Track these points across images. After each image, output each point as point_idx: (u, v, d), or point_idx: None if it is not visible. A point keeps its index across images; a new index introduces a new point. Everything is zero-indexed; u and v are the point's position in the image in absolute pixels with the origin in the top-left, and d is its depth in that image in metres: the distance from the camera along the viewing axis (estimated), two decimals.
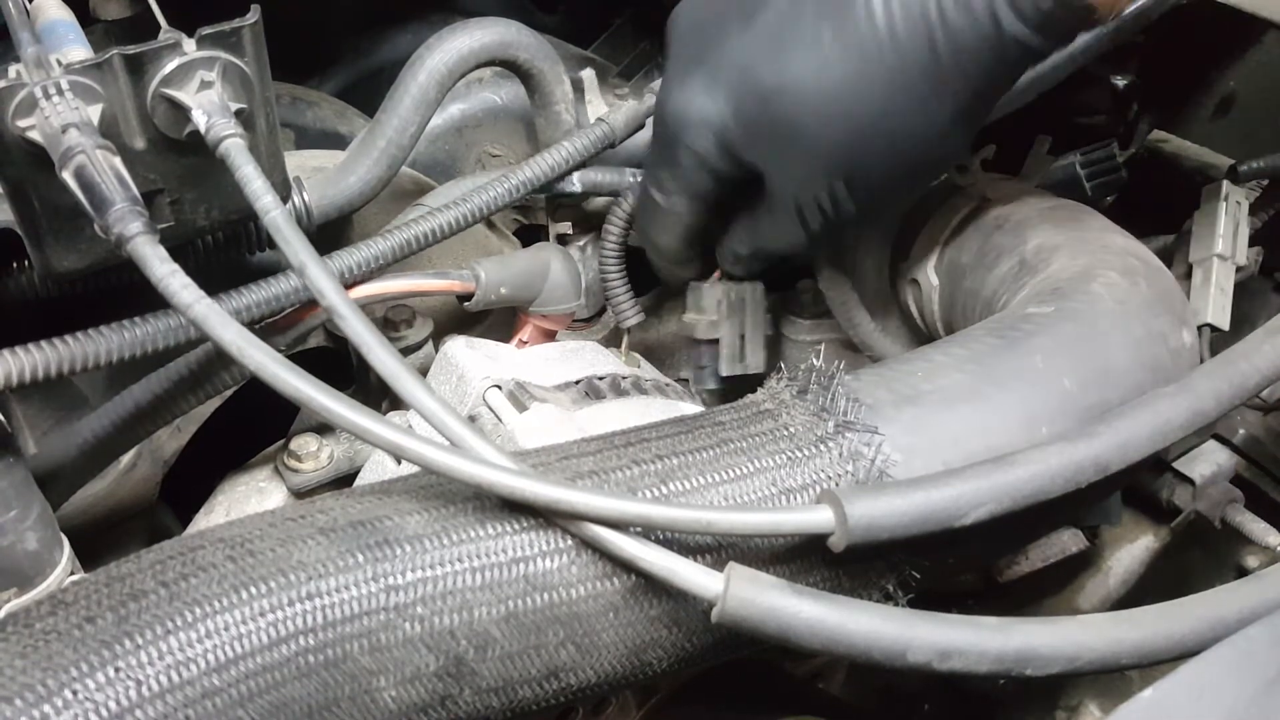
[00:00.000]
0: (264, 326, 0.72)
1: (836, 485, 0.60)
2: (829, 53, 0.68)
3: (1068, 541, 1.00)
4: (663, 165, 0.78)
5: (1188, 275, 0.92)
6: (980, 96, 0.69)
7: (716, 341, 0.88)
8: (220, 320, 0.54)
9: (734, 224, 0.82)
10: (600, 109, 0.96)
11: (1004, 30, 0.65)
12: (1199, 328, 0.88)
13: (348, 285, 0.75)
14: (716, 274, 0.89)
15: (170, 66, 0.61)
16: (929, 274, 0.85)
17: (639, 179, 0.89)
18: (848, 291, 0.90)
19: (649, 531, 0.54)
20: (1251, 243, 0.95)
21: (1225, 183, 0.93)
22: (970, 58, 0.66)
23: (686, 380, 0.99)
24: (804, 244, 0.78)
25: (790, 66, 0.69)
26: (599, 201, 0.92)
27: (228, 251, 0.76)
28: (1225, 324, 0.90)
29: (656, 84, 0.91)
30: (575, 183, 0.89)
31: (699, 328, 0.89)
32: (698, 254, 0.86)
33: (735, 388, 0.83)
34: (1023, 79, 0.77)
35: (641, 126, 0.90)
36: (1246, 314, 0.96)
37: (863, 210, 0.74)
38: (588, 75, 0.95)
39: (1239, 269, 0.93)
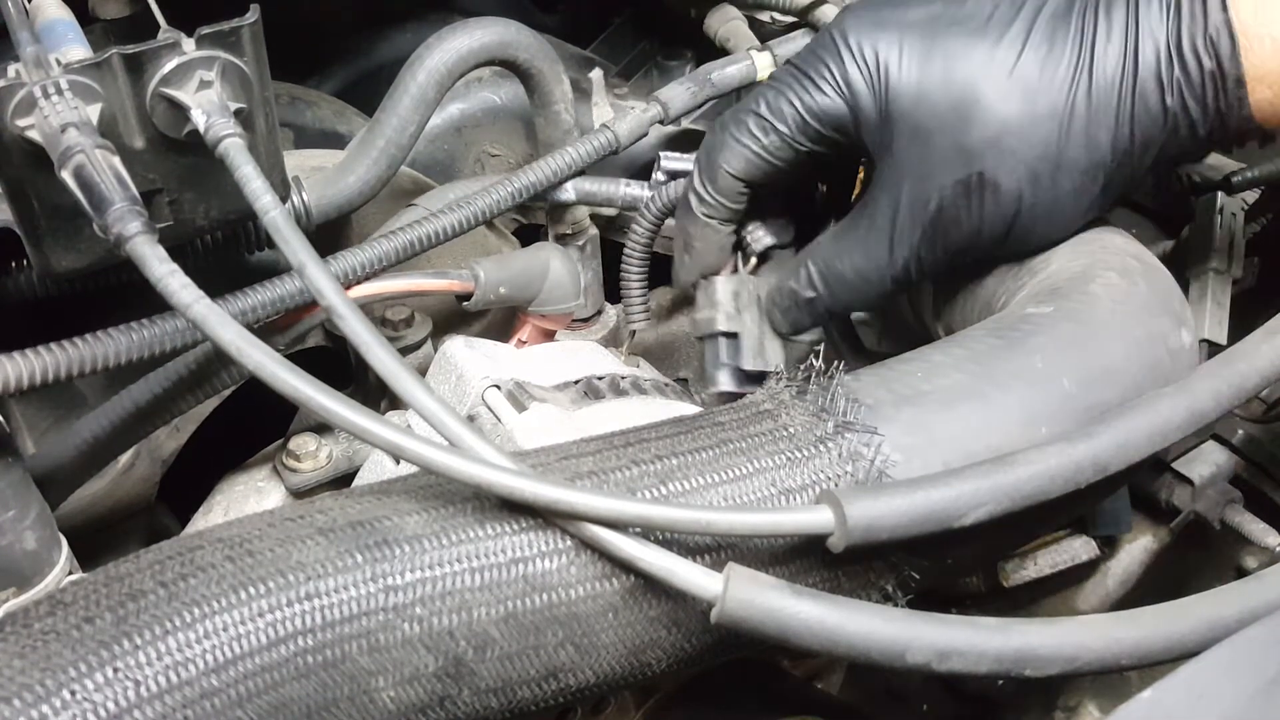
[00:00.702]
0: (263, 326, 0.72)
1: (836, 486, 0.60)
2: (1026, 72, 0.68)
3: (1078, 549, 1.00)
4: (793, 86, 0.74)
5: (1184, 288, 0.92)
6: (1110, 197, 0.71)
7: (734, 336, 0.83)
8: (219, 320, 0.54)
9: (811, 260, 0.78)
10: (606, 112, 0.96)
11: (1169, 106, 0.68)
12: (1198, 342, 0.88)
13: (347, 286, 0.75)
14: (729, 268, 0.84)
15: (169, 66, 0.61)
16: None
17: (642, 187, 0.89)
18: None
19: (648, 532, 0.54)
20: (1249, 251, 0.95)
21: (1220, 194, 0.93)
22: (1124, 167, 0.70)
23: (686, 380, 0.99)
24: (873, 281, 0.75)
25: (982, 41, 0.69)
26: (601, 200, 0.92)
27: (227, 251, 0.76)
28: (1222, 339, 0.90)
29: (660, 91, 0.91)
30: (569, 190, 0.89)
31: (717, 320, 0.83)
32: (745, 213, 0.81)
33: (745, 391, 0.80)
34: None
35: (645, 134, 0.89)
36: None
37: (951, 254, 0.73)
38: (596, 77, 0.95)
39: (1235, 281, 0.93)
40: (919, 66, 0.70)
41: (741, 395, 0.79)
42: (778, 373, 0.66)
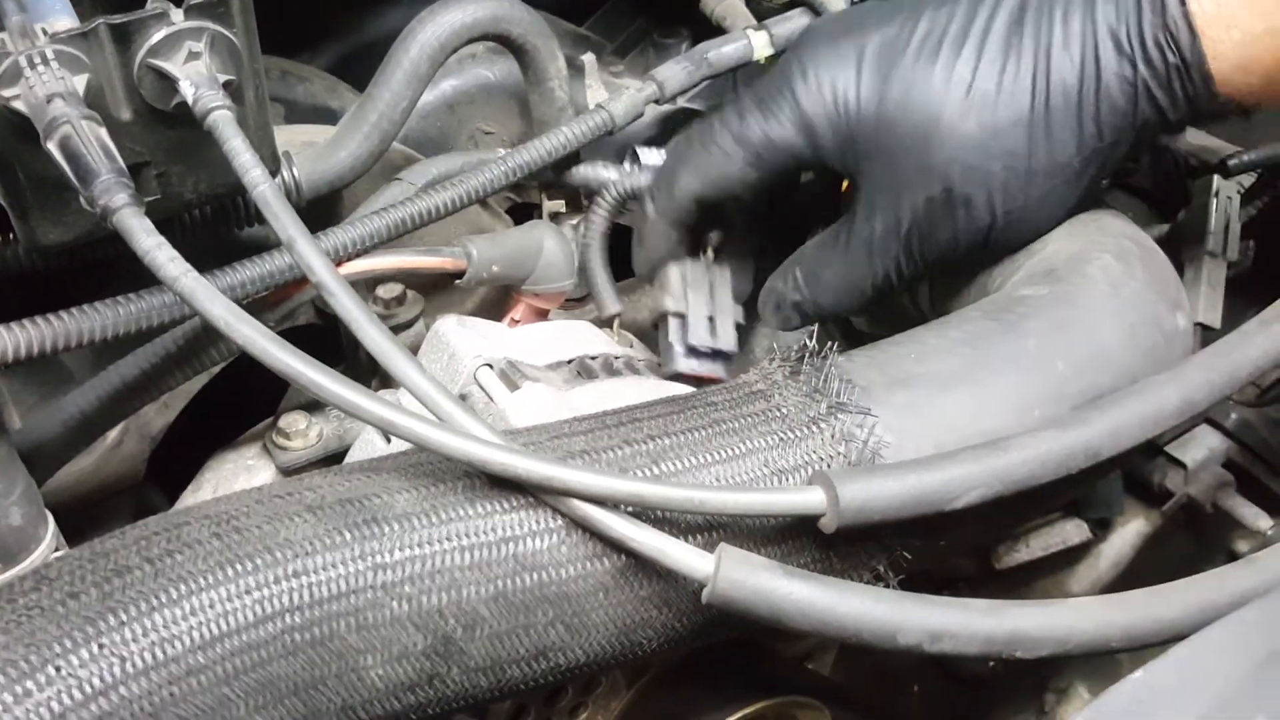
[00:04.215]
0: (252, 302, 0.72)
1: (828, 467, 0.60)
2: (984, 87, 0.69)
3: (1070, 532, 1.00)
4: (754, 113, 0.74)
5: (1180, 272, 0.92)
6: (1110, 141, 0.70)
7: (683, 317, 0.84)
8: (208, 294, 0.53)
9: (798, 264, 0.79)
10: (600, 93, 0.95)
11: (1139, 89, 0.68)
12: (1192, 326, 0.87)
13: (337, 262, 0.75)
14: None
15: (157, 37, 0.60)
16: None
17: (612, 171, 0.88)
18: None
19: (641, 511, 0.54)
20: (1244, 235, 0.95)
21: (1216, 178, 0.93)
22: (1110, 105, 0.68)
23: None
24: (858, 287, 0.76)
25: (931, 60, 0.70)
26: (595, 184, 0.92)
27: (216, 226, 0.75)
28: (1216, 322, 0.90)
29: (657, 69, 0.91)
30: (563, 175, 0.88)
31: (664, 301, 0.84)
32: (698, 224, 0.82)
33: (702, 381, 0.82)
34: None
35: (640, 114, 0.89)
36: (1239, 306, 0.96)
37: (932, 261, 0.74)
38: (588, 60, 0.94)
39: (1231, 264, 0.93)
40: (878, 94, 0.71)
41: (699, 377, 0.83)
42: (771, 354, 0.66)
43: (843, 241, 0.76)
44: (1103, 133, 0.69)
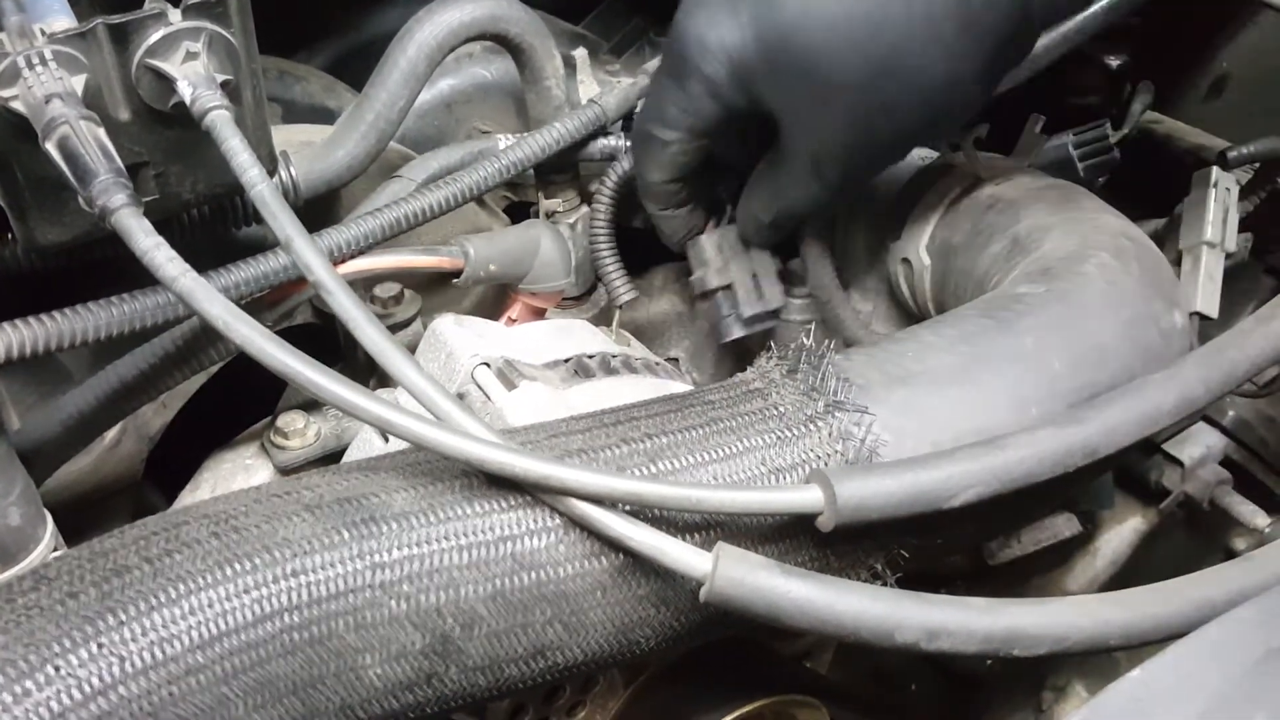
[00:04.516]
0: (250, 302, 0.72)
1: (826, 465, 0.60)
2: (857, 8, 0.67)
3: (1061, 526, 1.00)
4: (669, 93, 0.76)
5: (1177, 262, 0.92)
6: (1002, 50, 0.69)
7: (729, 288, 0.86)
8: (206, 294, 0.53)
9: (753, 186, 0.81)
10: (592, 89, 0.95)
11: None
12: (1189, 315, 0.88)
13: (335, 262, 0.75)
14: (710, 224, 0.87)
15: (155, 37, 0.60)
16: (920, 253, 0.84)
17: (620, 137, 0.89)
18: (831, 279, 0.90)
19: (638, 510, 0.54)
20: (1242, 228, 0.95)
21: (1215, 169, 0.93)
22: (998, 7, 0.66)
23: (676, 359, 0.99)
24: (824, 200, 0.77)
25: (819, 1, 0.68)
26: (590, 174, 0.92)
27: (214, 226, 0.75)
28: (1214, 312, 0.90)
29: (649, 64, 0.91)
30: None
31: (709, 277, 0.86)
32: (691, 195, 0.84)
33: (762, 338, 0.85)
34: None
35: (633, 109, 0.89)
36: (1237, 298, 0.96)
37: (880, 160, 0.74)
38: (580, 55, 0.94)
39: (1228, 255, 0.93)
40: (754, 43, 0.71)
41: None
42: (768, 352, 0.66)
43: (784, 173, 0.77)
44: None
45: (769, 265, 0.87)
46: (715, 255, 0.86)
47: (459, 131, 1.04)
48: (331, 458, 0.83)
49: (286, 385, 0.85)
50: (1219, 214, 0.92)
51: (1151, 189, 1.04)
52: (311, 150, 0.81)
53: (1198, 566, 0.57)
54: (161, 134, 0.64)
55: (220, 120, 0.59)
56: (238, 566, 0.49)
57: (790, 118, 0.73)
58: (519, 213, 0.98)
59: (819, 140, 0.73)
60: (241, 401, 0.85)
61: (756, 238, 0.85)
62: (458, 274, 0.83)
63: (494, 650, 0.54)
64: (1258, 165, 0.99)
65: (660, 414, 0.61)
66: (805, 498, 0.55)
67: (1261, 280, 1.03)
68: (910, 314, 0.90)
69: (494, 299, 0.93)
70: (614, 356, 0.79)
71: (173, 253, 0.54)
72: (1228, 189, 0.93)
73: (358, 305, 0.55)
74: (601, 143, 0.89)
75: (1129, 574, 1.07)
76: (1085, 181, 0.99)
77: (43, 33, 0.59)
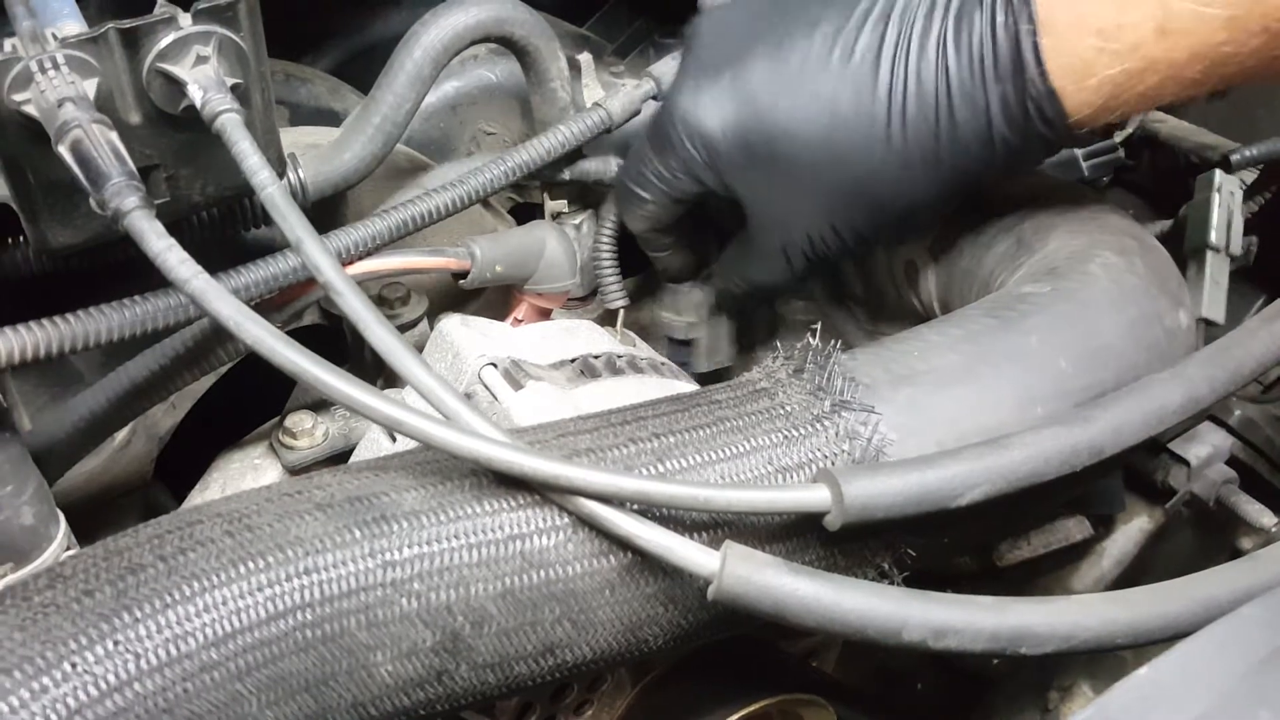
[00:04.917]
0: (259, 303, 0.72)
1: (832, 464, 0.60)
2: (843, 111, 0.70)
3: (1071, 529, 1.00)
4: (649, 160, 0.79)
5: (1182, 267, 0.92)
6: (965, 181, 0.72)
7: (692, 342, 0.92)
8: (217, 294, 0.53)
9: (727, 261, 0.85)
10: (597, 92, 0.95)
11: (994, 134, 0.68)
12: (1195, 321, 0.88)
13: (343, 263, 0.75)
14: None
15: (166, 41, 0.61)
16: (925, 253, 0.85)
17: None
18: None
19: (646, 508, 0.54)
20: (1247, 230, 0.95)
21: (1218, 172, 0.93)
22: (965, 149, 0.69)
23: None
24: (794, 281, 0.80)
25: (803, 112, 0.71)
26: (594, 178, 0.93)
27: (223, 228, 0.76)
28: (1220, 317, 0.90)
29: (654, 66, 0.91)
30: (564, 172, 0.89)
31: (676, 329, 0.92)
32: (672, 243, 0.88)
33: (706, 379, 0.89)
34: None
35: (638, 112, 0.89)
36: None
37: (844, 256, 0.77)
38: (585, 59, 0.95)
39: (1233, 259, 0.93)
40: (735, 135, 0.73)
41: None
42: (774, 351, 0.67)
43: (755, 253, 0.80)
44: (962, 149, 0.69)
45: (730, 327, 0.94)
46: (690, 310, 0.92)
47: (464, 133, 1.04)
48: (339, 458, 0.83)
49: (294, 386, 0.86)
50: (1223, 218, 0.92)
51: (1155, 189, 1.04)
52: (318, 152, 0.81)
53: (1204, 566, 0.57)
54: (172, 137, 0.64)
55: (230, 123, 0.59)
56: (251, 565, 0.50)
57: (759, 208, 0.77)
58: (525, 214, 0.98)
59: (785, 232, 0.76)
60: (250, 401, 0.85)
61: (733, 305, 0.90)
62: (464, 275, 0.83)
63: (503, 648, 0.54)
64: (1261, 167, 0.99)
65: (667, 413, 0.61)
66: (812, 497, 0.55)
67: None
68: (915, 314, 0.90)
69: (500, 300, 0.93)
70: (620, 356, 0.79)
71: (185, 254, 0.54)
72: (1231, 192, 0.93)
73: (367, 306, 0.56)
74: (595, 166, 0.90)
75: (1135, 573, 1.07)
76: (1090, 182, 1.00)
77: (55, 37, 0.59)
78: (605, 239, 0.91)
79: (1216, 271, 0.91)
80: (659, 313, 0.95)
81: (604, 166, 0.90)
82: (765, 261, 0.79)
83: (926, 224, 0.78)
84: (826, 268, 0.81)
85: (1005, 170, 0.72)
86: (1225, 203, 0.92)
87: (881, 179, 0.71)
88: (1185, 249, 0.93)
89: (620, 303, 0.91)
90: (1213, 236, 0.92)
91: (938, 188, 0.71)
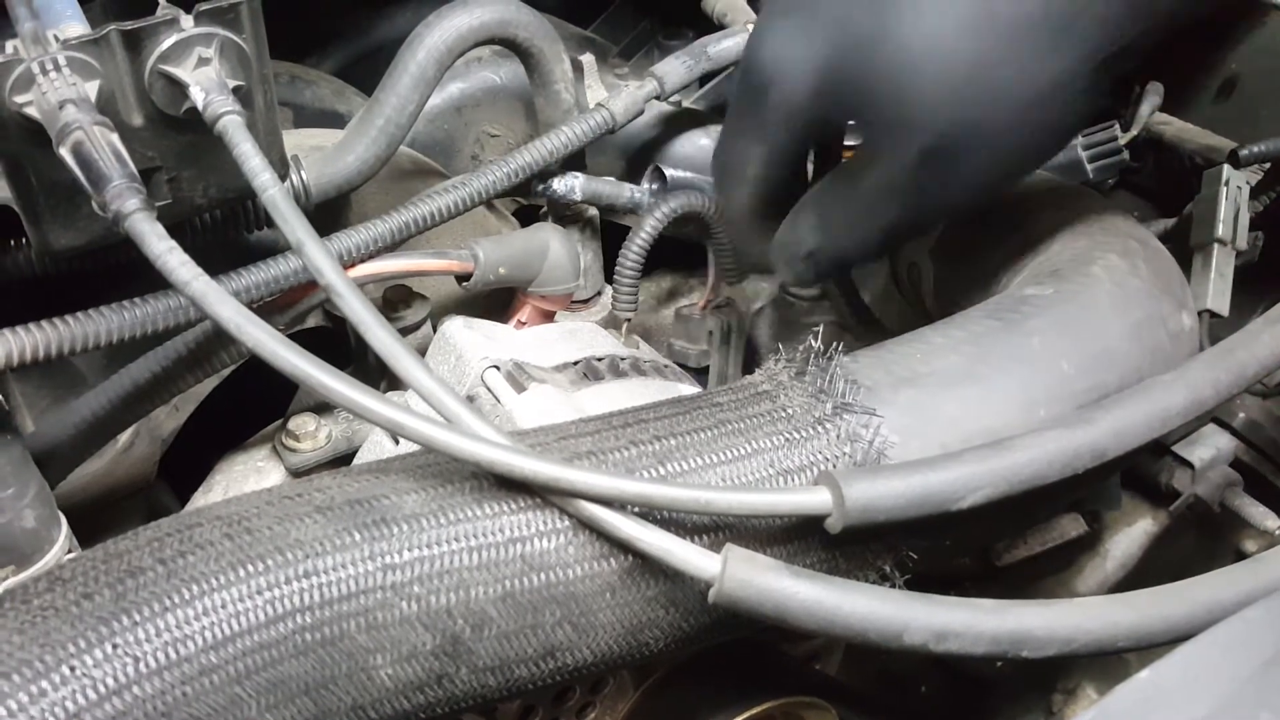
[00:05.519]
0: (261, 306, 0.72)
1: (834, 467, 0.60)
2: (951, 20, 0.62)
3: (1067, 526, 1.00)
4: (748, 119, 0.71)
5: (1188, 260, 0.92)
6: (1115, 40, 0.62)
7: (702, 369, 0.93)
8: (218, 297, 0.53)
9: (807, 210, 0.74)
10: (600, 93, 0.95)
11: None
12: (1199, 313, 0.87)
13: (346, 266, 0.75)
14: (703, 302, 0.94)
15: (168, 43, 0.61)
16: (928, 255, 0.85)
17: (644, 193, 0.92)
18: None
19: (647, 511, 0.54)
20: (1252, 227, 0.95)
21: (1226, 167, 0.93)
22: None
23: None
24: (868, 247, 0.73)
25: (891, 11, 0.64)
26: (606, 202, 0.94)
27: (225, 230, 0.76)
28: (1225, 310, 0.90)
29: (656, 66, 0.91)
30: (577, 192, 0.89)
31: (690, 357, 0.94)
32: (772, 222, 0.77)
33: None
34: None
35: (640, 113, 0.89)
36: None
37: (969, 186, 0.67)
38: (587, 60, 0.95)
39: (1239, 254, 0.93)
40: (833, 63, 0.66)
41: None
42: (776, 354, 0.66)
43: (851, 185, 0.71)
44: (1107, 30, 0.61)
45: (743, 346, 0.95)
46: (703, 338, 0.94)
47: (468, 135, 1.04)
48: (342, 460, 0.83)
49: (298, 388, 0.86)
50: (1230, 212, 0.92)
51: (1160, 191, 1.04)
52: (322, 155, 0.81)
53: (1208, 568, 0.57)
54: (174, 139, 0.64)
55: (232, 125, 0.59)
56: (251, 568, 0.50)
57: (873, 134, 0.68)
58: (528, 217, 0.98)
59: (902, 157, 0.66)
60: (253, 404, 0.85)
61: (787, 269, 0.77)
62: (468, 277, 0.83)
63: (504, 651, 0.54)
64: (1268, 165, 0.99)
65: (669, 416, 0.61)
66: (814, 499, 0.55)
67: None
68: (918, 316, 0.90)
69: (503, 302, 0.93)
70: (623, 359, 0.79)
71: (186, 257, 0.54)
72: (1239, 187, 0.93)
73: (369, 308, 0.56)
74: (628, 195, 0.92)
75: (1139, 576, 1.07)
76: (1094, 183, 1.00)
77: (56, 39, 0.60)
78: (636, 249, 0.89)
79: (1222, 264, 0.91)
80: (673, 341, 0.95)
81: (614, 190, 0.90)
82: (869, 205, 0.69)
83: (1072, 114, 0.65)
84: (910, 228, 0.71)
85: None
86: (1233, 196, 0.92)
87: (1001, 59, 0.61)
88: (1191, 243, 0.92)
89: (630, 313, 0.90)
90: (1220, 230, 0.91)
91: (1074, 56, 0.61)
